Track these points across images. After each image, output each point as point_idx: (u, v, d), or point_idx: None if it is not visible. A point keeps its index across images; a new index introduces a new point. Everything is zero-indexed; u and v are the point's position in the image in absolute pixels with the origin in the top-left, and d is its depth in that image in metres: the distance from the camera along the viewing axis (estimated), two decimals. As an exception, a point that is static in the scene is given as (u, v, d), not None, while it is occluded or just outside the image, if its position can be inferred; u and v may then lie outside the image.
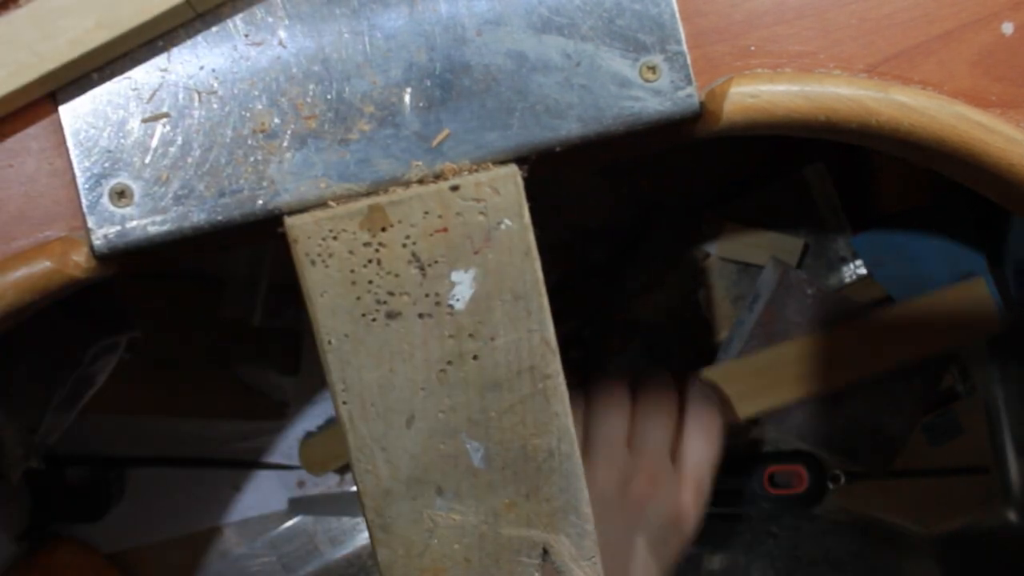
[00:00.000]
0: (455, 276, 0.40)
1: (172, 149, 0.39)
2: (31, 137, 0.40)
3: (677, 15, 0.41)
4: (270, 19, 0.40)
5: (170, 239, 0.40)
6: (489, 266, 0.40)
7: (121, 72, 0.39)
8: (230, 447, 0.82)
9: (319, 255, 0.39)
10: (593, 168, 0.77)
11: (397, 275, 0.40)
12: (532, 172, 0.41)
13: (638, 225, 0.79)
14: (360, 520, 0.83)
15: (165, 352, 0.79)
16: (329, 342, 0.40)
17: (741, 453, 0.80)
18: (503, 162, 0.41)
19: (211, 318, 0.79)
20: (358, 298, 0.40)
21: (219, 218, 0.40)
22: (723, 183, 0.79)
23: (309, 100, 0.40)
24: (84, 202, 0.39)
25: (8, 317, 0.40)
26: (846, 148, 0.74)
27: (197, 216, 0.40)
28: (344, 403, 0.40)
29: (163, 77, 0.39)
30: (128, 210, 0.39)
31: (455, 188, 0.39)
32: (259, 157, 0.40)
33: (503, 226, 0.40)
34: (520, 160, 0.41)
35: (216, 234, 0.40)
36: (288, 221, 0.39)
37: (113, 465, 0.80)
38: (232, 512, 0.83)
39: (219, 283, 0.79)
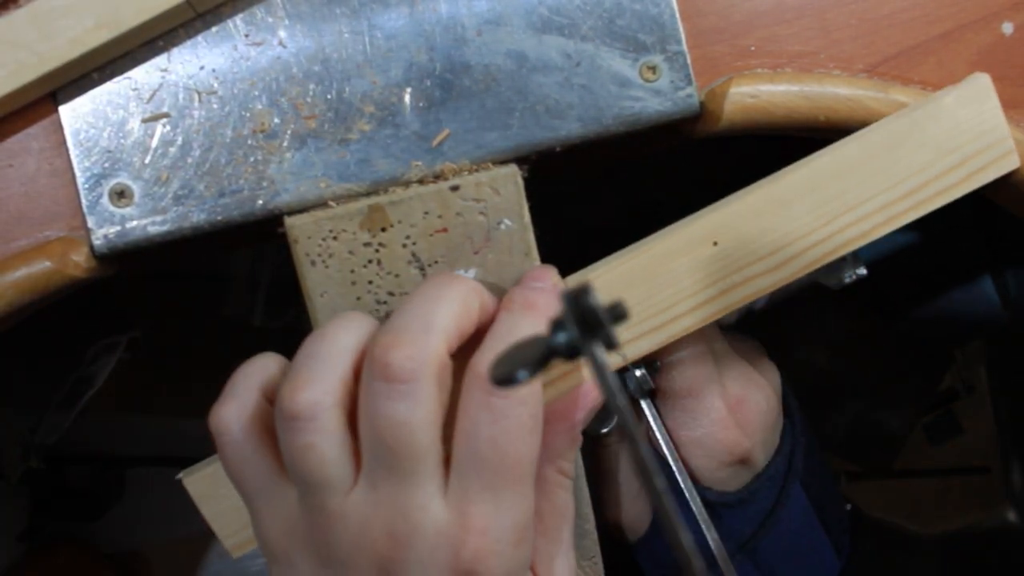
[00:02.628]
0: (455, 276, 0.40)
1: (172, 149, 0.39)
2: (31, 137, 0.40)
3: (677, 15, 0.41)
4: (270, 19, 0.40)
5: (170, 239, 0.40)
6: (489, 266, 0.40)
7: (121, 72, 0.39)
8: (230, 447, 0.82)
9: (319, 255, 0.39)
10: (593, 168, 0.77)
11: (397, 275, 0.40)
12: (532, 172, 0.41)
13: (638, 225, 0.79)
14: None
15: (165, 352, 0.78)
16: (329, 342, 0.40)
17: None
18: (503, 162, 0.41)
19: (212, 318, 0.78)
20: (358, 298, 0.40)
21: (219, 218, 0.40)
22: (723, 183, 0.79)
23: (309, 100, 0.40)
24: (84, 202, 0.39)
25: (8, 317, 0.40)
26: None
27: (197, 216, 0.40)
28: (344, 403, 0.40)
29: (163, 77, 0.39)
30: (128, 210, 0.39)
31: (455, 188, 0.39)
32: (259, 157, 0.40)
33: (503, 226, 0.40)
34: (520, 160, 0.41)
35: (216, 234, 0.40)
36: (288, 221, 0.39)
37: (113, 465, 0.80)
38: (232, 512, 0.83)
39: (220, 283, 0.79)
